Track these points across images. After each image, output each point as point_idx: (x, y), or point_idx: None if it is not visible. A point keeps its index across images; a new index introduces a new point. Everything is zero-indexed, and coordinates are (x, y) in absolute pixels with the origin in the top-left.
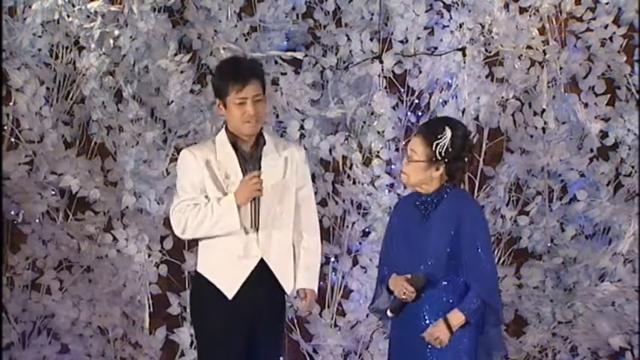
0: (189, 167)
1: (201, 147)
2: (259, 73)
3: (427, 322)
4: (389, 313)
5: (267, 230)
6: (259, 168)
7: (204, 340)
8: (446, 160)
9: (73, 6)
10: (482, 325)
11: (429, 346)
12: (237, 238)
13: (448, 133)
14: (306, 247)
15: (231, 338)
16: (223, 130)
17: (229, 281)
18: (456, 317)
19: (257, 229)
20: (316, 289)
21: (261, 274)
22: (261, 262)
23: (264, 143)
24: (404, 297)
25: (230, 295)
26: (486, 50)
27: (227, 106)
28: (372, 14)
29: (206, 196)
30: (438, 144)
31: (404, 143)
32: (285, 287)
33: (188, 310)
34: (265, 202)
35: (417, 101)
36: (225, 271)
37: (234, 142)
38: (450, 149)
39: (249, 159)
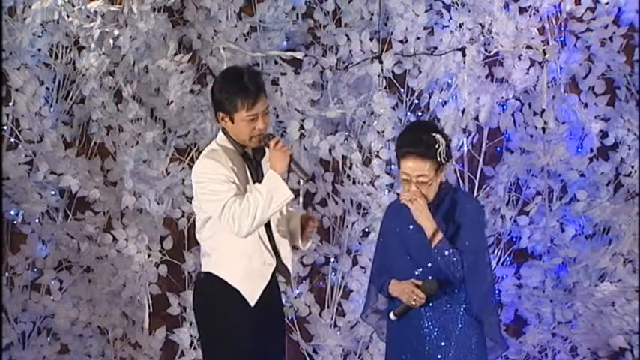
0: (220, 172)
1: (217, 154)
2: (264, 87)
3: (427, 323)
4: (392, 316)
5: (280, 236)
6: (261, 175)
7: (226, 344)
8: (448, 160)
9: (73, 6)
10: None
11: (429, 348)
12: (256, 245)
13: (438, 137)
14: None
15: (254, 343)
16: (225, 137)
17: (253, 287)
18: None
19: (272, 238)
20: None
21: (273, 279)
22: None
23: (264, 151)
24: (414, 303)
25: (252, 302)
26: (486, 50)
27: (234, 121)
28: (372, 14)
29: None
30: (439, 152)
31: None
32: (292, 287)
33: (195, 310)
34: None
35: (416, 101)
36: (250, 276)
37: (244, 153)
38: (447, 149)
39: (255, 167)
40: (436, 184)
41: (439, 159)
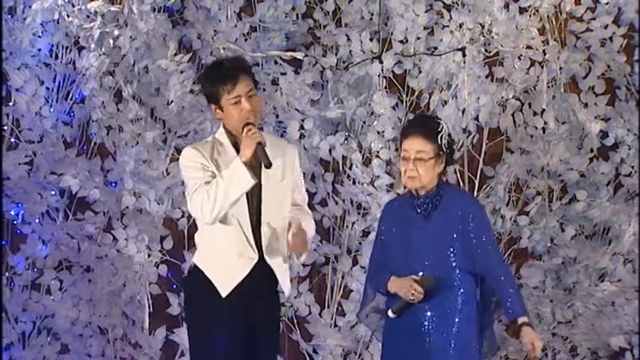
0: (196, 160)
1: (203, 145)
2: (247, 69)
3: (425, 322)
4: (390, 314)
5: (268, 232)
6: (259, 169)
7: (200, 336)
8: (448, 151)
9: (73, 6)
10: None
11: (429, 346)
12: (238, 237)
13: (444, 125)
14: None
15: (229, 338)
16: (222, 129)
17: (226, 279)
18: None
19: (259, 231)
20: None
21: (260, 275)
22: (260, 263)
23: (264, 144)
24: (412, 298)
25: (224, 293)
26: (486, 50)
27: (223, 108)
28: (372, 14)
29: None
30: (441, 137)
31: (395, 150)
32: (285, 288)
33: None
34: (265, 205)
35: (416, 101)
36: (224, 268)
37: (235, 143)
38: (449, 138)
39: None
40: (434, 171)
41: (440, 143)
